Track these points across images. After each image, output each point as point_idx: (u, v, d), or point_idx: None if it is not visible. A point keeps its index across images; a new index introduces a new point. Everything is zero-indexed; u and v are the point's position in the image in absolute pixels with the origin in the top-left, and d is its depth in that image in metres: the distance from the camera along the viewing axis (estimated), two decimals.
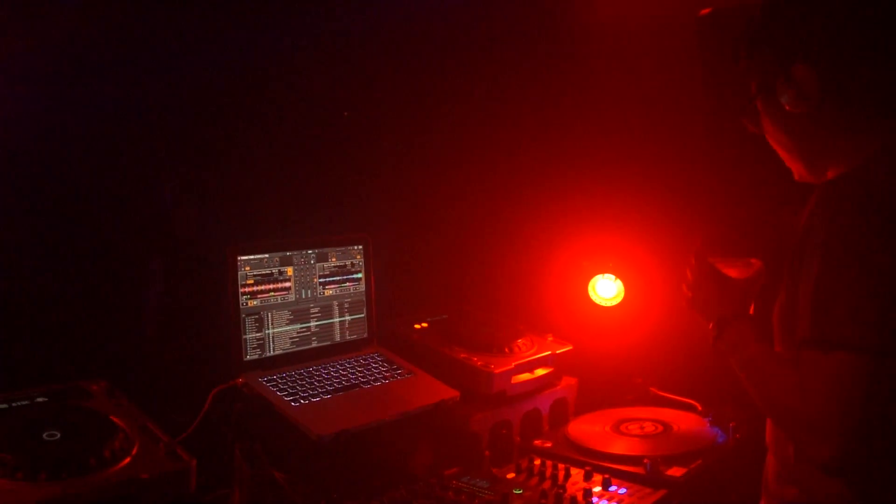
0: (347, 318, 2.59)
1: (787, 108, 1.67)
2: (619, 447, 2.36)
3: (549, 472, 2.23)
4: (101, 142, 2.29)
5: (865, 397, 1.46)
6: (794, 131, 1.71)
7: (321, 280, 2.53)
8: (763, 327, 1.80)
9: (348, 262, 2.60)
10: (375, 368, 2.50)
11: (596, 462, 2.27)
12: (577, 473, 2.23)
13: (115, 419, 1.97)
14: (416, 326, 2.74)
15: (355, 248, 2.62)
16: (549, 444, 2.42)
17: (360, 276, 2.62)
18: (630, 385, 2.82)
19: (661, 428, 2.49)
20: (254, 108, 2.60)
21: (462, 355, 2.56)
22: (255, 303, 2.37)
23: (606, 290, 2.97)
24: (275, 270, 2.42)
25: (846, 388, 1.46)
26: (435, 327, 2.75)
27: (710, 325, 1.88)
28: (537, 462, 2.29)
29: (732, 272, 1.95)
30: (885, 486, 1.56)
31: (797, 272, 1.60)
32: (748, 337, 1.79)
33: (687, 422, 2.53)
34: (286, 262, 2.45)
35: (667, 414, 2.60)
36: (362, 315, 2.63)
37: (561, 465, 2.26)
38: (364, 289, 2.63)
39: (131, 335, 2.31)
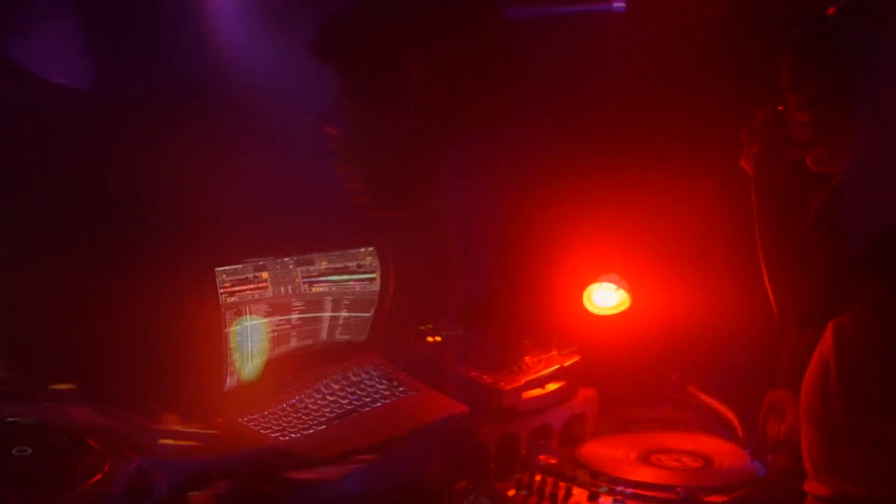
0: (346, 331, 2.53)
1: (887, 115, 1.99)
2: (646, 474, 2.22)
3: (548, 490, 2.14)
4: (88, 152, 2.30)
5: (846, 277, 1.95)
6: (849, 131, 2.04)
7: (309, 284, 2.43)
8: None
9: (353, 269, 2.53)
10: (374, 386, 2.42)
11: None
12: (579, 493, 2.13)
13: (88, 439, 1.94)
14: (430, 339, 2.66)
15: (364, 252, 2.55)
16: (553, 461, 2.30)
17: (367, 283, 2.55)
18: (666, 383, 2.70)
19: (701, 462, 2.33)
20: (257, 114, 2.58)
21: (472, 373, 2.47)
22: (240, 318, 2.24)
23: (606, 299, 2.86)
24: (251, 275, 2.27)
25: (836, 265, 1.94)
26: (447, 343, 2.65)
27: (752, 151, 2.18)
28: (538, 478, 2.19)
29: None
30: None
31: None
32: (784, 170, 2.13)
33: (727, 455, 2.37)
34: (264, 267, 2.31)
35: (706, 444, 2.44)
36: (367, 317, 2.56)
37: (562, 484, 2.16)
38: (371, 296, 2.56)
39: (108, 349, 2.29)
